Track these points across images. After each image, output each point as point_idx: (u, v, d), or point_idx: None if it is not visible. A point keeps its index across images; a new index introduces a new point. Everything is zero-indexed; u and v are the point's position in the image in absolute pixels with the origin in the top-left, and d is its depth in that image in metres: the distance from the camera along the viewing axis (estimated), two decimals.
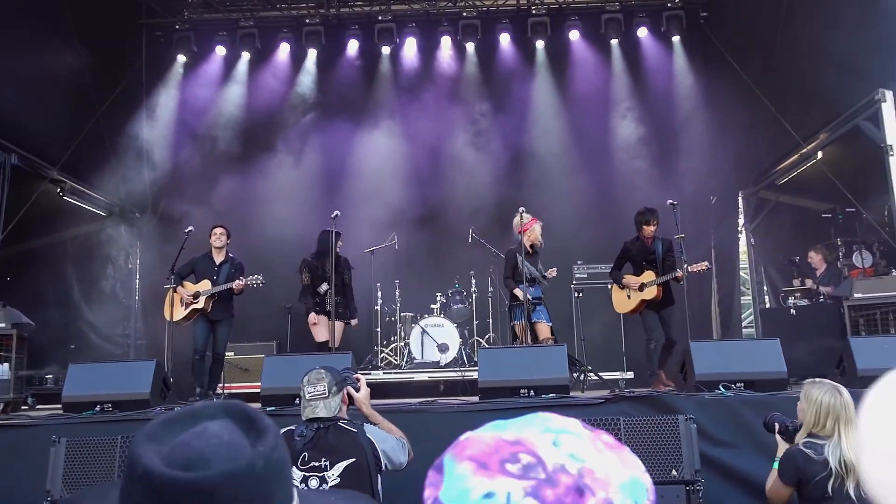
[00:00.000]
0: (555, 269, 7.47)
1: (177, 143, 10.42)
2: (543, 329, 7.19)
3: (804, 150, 8.82)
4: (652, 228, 7.21)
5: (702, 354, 5.28)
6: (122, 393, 5.23)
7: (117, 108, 9.89)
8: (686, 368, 5.39)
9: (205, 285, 7.28)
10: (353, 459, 3.17)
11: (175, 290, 7.25)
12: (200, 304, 7.20)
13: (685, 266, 6.79)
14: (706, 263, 7.14)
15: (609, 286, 8.67)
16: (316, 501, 0.95)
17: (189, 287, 7.29)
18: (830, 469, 3.06)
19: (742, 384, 5.06)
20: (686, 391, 5.20)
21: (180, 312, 7.21)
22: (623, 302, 7.43)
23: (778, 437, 3.52)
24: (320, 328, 7.56)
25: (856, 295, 6.70)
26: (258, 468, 0.85)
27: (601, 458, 0.71)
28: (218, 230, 7.46)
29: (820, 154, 8.69)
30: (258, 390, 5.77)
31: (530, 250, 7.28)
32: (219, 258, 7.43)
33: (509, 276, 7.38)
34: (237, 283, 7.19)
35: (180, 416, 0.91)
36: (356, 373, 3.71)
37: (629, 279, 7.30)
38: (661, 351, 7.05)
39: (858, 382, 4.78)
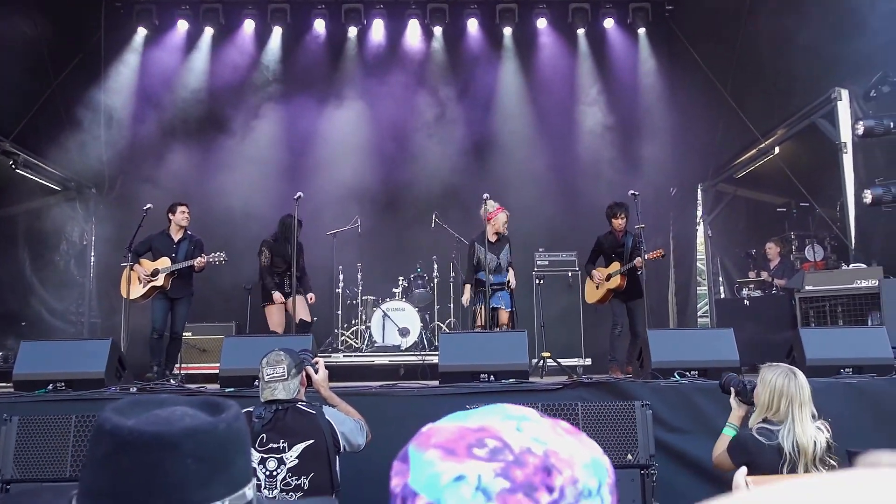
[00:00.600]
0: (513, 282, 7.45)
1: (135, 118, 10.18)
2: (503, 315, 7.26)
3: (762, 145, 9.01)
4: (620, 222, 7.38)
5: (658, 343, 5.38)
6: (76, 372, 5.11)
7: (74, 81, 9.60)
8: (643, 356, 5.49)
9: (164, 262, 7.14)
10: (312, 441, 3.18)
11: (132, 268, 7.10)
12: (160, 282, 7.06)
13: (643, 253, 6.92)
14: (661, 251, 7.28)
15: (569, 274, 8.79)
16: None
17: (146, 264, 7.14)
18: (784, 454, 3.05)
19: (696, 372, 5.16)
20: (642, 378, 5.30)
21: (138, 290, 7.07)
22: (592, 293, 7.66)
23: (733, 400, 3.54)
24: (277, 315, 7.53)
25: (807, 287, 6.90)
26: (220, 430, 0.92)
27: (563, 441, 0.74)
28: (184, 208, 7.33)
29: (777, 149, 8.89)
30: (216, 371, 5.70)
31: (492, 238, 7.32)
32: (177, 235, 7.30)
33: (468, 269, 7.46)
34: (199, 261, 7.06)
35: (148, 398, 0.97)
36: (315, 355, 3.70)
37: (596, 272, 7.53)
38: (629, 344, 7.17)
39: (807, 371, 4.91)
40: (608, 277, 7.39)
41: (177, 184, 9.48)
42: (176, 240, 7.29)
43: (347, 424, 3.36)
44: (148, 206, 7.11)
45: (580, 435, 0.76)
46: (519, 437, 0.73)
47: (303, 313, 7.42)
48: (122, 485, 0.87)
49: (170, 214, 7.30)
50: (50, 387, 4.98)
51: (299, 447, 3.16)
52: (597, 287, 7.54)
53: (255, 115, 10.43)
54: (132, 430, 0.89)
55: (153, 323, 7.10)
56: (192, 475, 0.89)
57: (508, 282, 7.33)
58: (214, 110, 10.43)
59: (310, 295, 7.72)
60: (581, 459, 0.73)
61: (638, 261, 7.01)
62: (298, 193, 6.92)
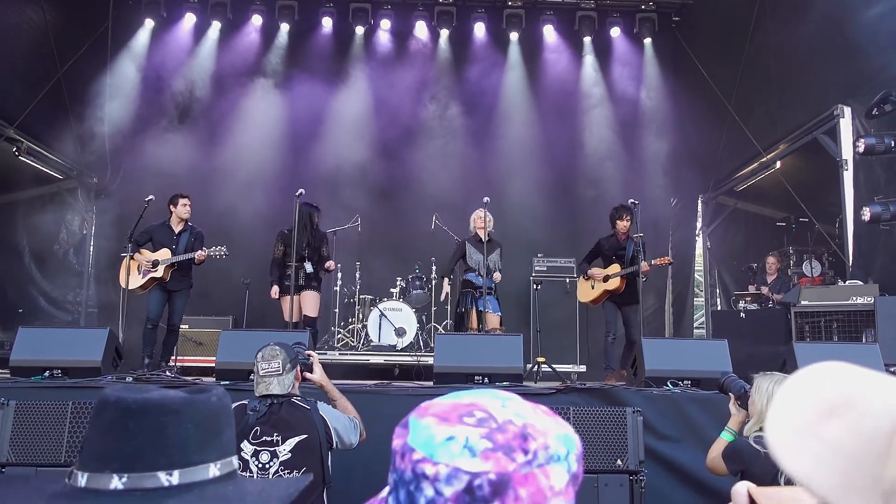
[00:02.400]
0: (499, 275, 7.52)
1: (139, 108, 10.23)
2: (491, 319, 7.30)
3: (764, 159, 9.07)
4: (625, 224, 7.35)
5: (653, 351, 5.42)
6: (73, 359, 5.14)
7: (80, 70, 9.65)
8: (637, 364, 5.53)
9: (164, 254, 7.14)
10: (305, 436, 3.21)
11: (132, 258, 7.11)
12: (159, 273, 7.07)
13: (650, 260, 6.95)
14: (668, 257, 7.31)
15: (567, 281, 8.83)
16: (248, 483, 1.07)
17: (146, 255, 7.15)
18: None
19: (689, 382, 5.21)
20: (636, 386, 5.34)
21: (137, 280, 7.07)
22: (587, 292, 7.58)
23: (732, 405, 3.54)
24: (288, 307, 7.43)
25: (803, 302, 6.94)
26: (213, 401, 1.05)
27: (539, 418, 0.88)
28: (186, 200, 7.32)
29: (779, 164, 8.95)
30: (212, 364, 5.74)
31: (484, 239, 7.38)
32: (178, 227, 7.30)
33: (448, 263, 7.70)
34: (199, 254, 7.05)
35: (143, 387, 1.10)
36: (308, 349, 3.72)
37: (594, 270, 7.48)
38: (623, 350, 7.21)
39: None
40: (606, 278, 7.34)
41: (178, 176, 9.51)
42: (177, 231, 7.29)
43: (341, 421, 3.39)
44: (150, 197, 7.10)
45: (556, 417, 0.90)
46: (503, 411, 0.86)
47: (309, 309, 7.32)
48: (129, 446, 0.98)
49: (171, 206, 7.31)
50: (46, 373, 5.02)
51: (292, 441, 3.19)
52: (592, 287, 7.50)
53: (258, 110, 10.49)
54: (136, 399, 1.00)
55: (148, 313, 7.10)
56: (192, 438, 1.00)
57: (495, 287, 7.38)
58: (218, 103, 10.49)
59: (328, 263, 7.45)
60: (554, 432, 0.86)
61: (645, 266, 6.97)
62: (300, 190, 6.95)
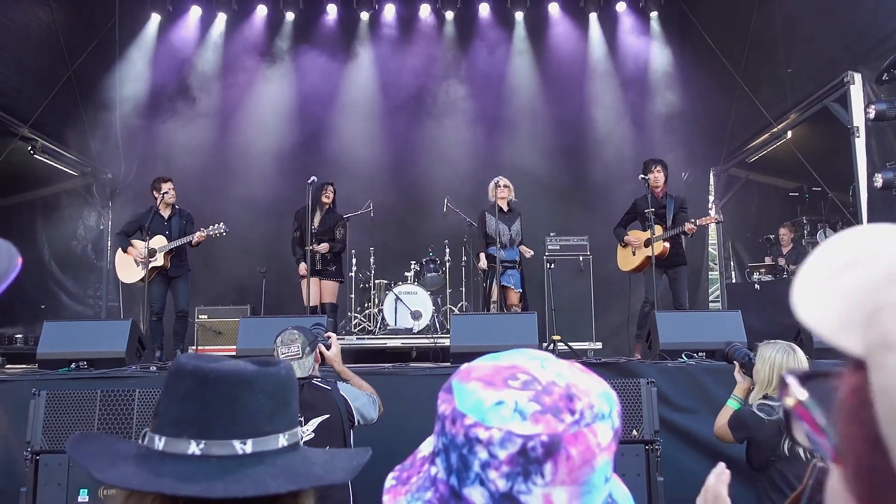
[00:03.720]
0: (528, 252, 7.48)
1: (150, 103, 10.32)
2: (511, 296, 7.31)
3: (775, 130, 9.04)
4: (658, 176, 6.92)
5: (667, 324, 5.49)
6: (98, 351, 5.29)
7: (90, 66, 9.75)
8: (651, 337, 5.60)
9: (159, 241, 7.08)
10: (328, 416, 3.29)
11: (126, 251, 7.06)
12: (160, 262, 7.03)
13: (693, 220, 6.67)
14: (715, 216, 7.01)
15: (580, 259, 8.86)
16: (313, 454, 1.14)
17: (138, 246, 7.09)
18: (783, 430, 3.06)
19: (704, 353, 5.27)
20: (651, 359, 5.41)
21: (137, 273, 7.05)
22: (627, 259, 7.18)
23: (737, 373, 3.60)
24: (308, 290, 7.33)
25: None
26: (282, 374, 1.10)
27: (579, 377, 0.90)
28: (169, 184, 7.24)
29: (790, 133, 8.91)
30: (233, 353, 5.87)
31: (505, 208, 7.37)
32: (166, 212, 7.25)
33: (479, 238, 7.55)
34: (198, 235, 6.99)
35: (210, 356, 1.14)
36: (327, 330, 3.79)
37: (632, 236, 7.09)
38: None
39: (814, 354, 5.01)
40: (647, 243, 6.85)
41: (191, 167, 9.64)
42: (166, 217, 7.23)
43: (361, 399, 3.48)
44: (165, 190, 7.20)
45: (592, 374, 0.93)
46: (544, 372, 0.89)
47: (327, 296, 7.29)
48: (206, 413, 1.02)
49: (154, 192, 7.22)
50: (73, 365, 5.17)
51: (315, 421, 3.28)
52: (633, 253, 7.05)
53: (267, 97, 10.58)
54: (213, 369, 1.05)
55: (151, 305, 7.07)
56: (264, 408, 1.05)
57: (520, 260, 7.25)
58: (228, 93, 10.58)
59: (323, 245, 7.29)
60: (596, 390, 0.89)
61: (689, 225, 6.62)
62: (312, 178, 7.02)
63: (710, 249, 11.05)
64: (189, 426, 1.02)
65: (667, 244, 6.85)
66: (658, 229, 6.84)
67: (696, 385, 4.98)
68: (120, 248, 7.07)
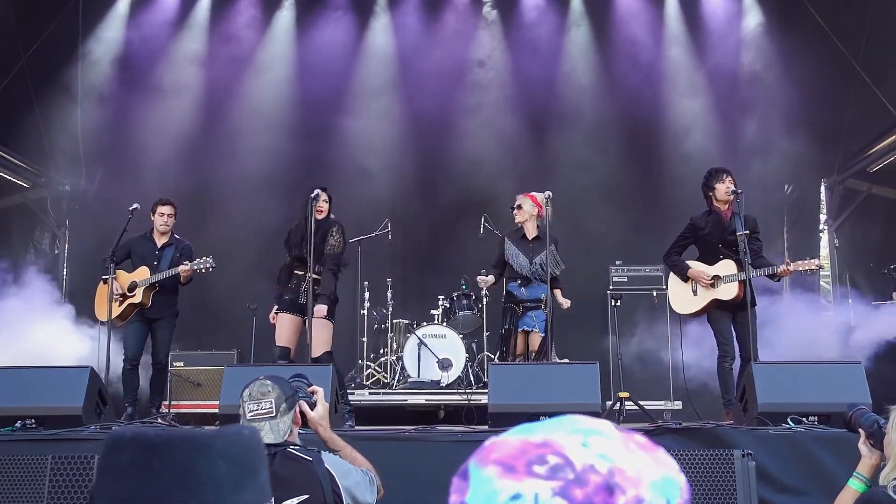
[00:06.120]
0: (564, 303, 7.44)
1: (118, 99, 10.47)
2: (535, 340, 7.24)
3: None
4: (726, 187, 6.65)
5: (766, 379, 5.39)
6: (50, 406, 5.33)
7: (46, 55, 9.93)
8: (746, 396, 5.49)
9: (143, 273, 7.17)
10: (307, 496, 3.14)
11: (107, 282, 7.11)
12: (138, 298, 7.09)
13: (787, 262, 6.47)
14: (816, 261, 6.71)
15: (654, 294, 8.73)
16: None
17: (123, 277, 7.18)
18: None
19: (816, 417, 5.16)
20: (746, 424, 5.31)
21: (113, 310, 7.09)
22: (685, 299, 6.89)
23: (863, 444, 3.49)
24: (283, 328, 6.92)
25: None
26: (245, 434, 1.09)
27: (632, 458, 0.85)
28: (165, 209, 7.36)
29: None
30: (215, 409, 5.87)
31: (530, 234, 7.33)
32: (161, 239, 7.41)
33: (494, 263, 7.65)
34: (183, 269, 7.07)
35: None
36: (311, 384, 3.62)
37: (698, 269, 6.76)
38: (739, 375, 6.52)
39: None
40: (714, 280, 6.57)
41: (169, 179, 9.73)
42: (159, 245, 7.38)
43: (353, 476, 3.32)
44: (134, 205, 7.25)
45: (656, 451, 0.88)
46: (584, 452, 0.85)
47: (317, 343, 6.62)
48: (155, 488, 1.00)
49: (152, 214, 7.43)
50: (18, 423, 5.20)
51: (291, 503, 3.15)
52: (694, 292, 6.80)
53: (262, 99, 10.66)
54: (159, 433, 1.03)
55: (126, 351, 7.16)
56: (225, 477, 1.03)
57: (546, 299, 7.11)
58: (212, 90, 10.70)
59: (317, 308, 6.67)
60: (650, 477, 0.84)
61: (783, 268, 6.42)
62: (316, 191, 6.95)
63: (821, 283, 10.87)
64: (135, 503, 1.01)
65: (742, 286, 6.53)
66: (730, 265, 6.60)
67: (807, 459, 4.87)
68: (110, 276, 7.06)
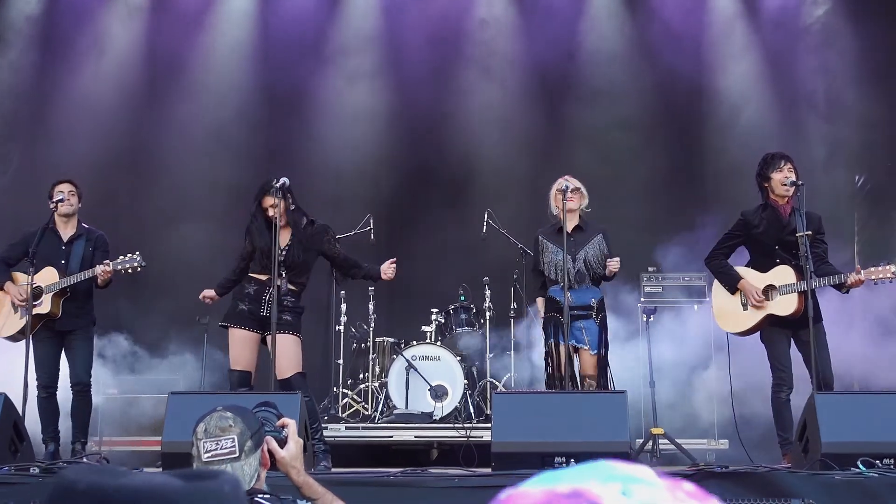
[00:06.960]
0: (616, 259, 7.11)
1: (43, 59, 10.43)
2: (587, 360, 7.10)
3: None
4: (783, 178, 6.59)
5: (833, 412, 5.39)
6: None
7: None
8: (808, 433, 5.50)
9: (49, 275, 6.94)
10: None
11: (2, 288, 7.02)
12: (45, 308, 6.88)
13: (859, 269, 6.41)
14: (893, 268, 6.51)
15: (695, 307, 8.73)
16: None
17: (19, 281, 7.00)
18: None
19: (892, 460, 5.17)
20: (807, 467, 5.31)
21: (14, 324, 6.98)
22: (732, 314, 6.83)
23: None
24: (237, 347, 6.77)
25: None
26: (226, 489, 1.05)
27: None
28: (64, 186, 7.14)
29: None
30: (157, 447, 5.85)
31: (570, 226, 7.22)
32: (67, 231, 7.19)
33: (532, 278, 7.58)
34: (101, 269, 6.84)
35: (110, 467, 1.10)
36: (280, 415, 3.53)
37: (749, 279, 6.72)
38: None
39: None
40: (769, 291, 6.56)
41: (105, 162, 9.70)
42: (66, 238, 7.17)
43: None
44: (59, 197, 7.18)
45: (709, 502, 0.88)
46: (622, 502, 0.85)
47: (285, 364, 6.55)
48: None
49: (49, 202, 7.12)
50: None
51: None
52: (744, 306, 6.72)
53: (220, 63, 10.64)
54: (119, 487, 1.00)
55: (38, 377, 6.93)
56: None
57: (597, 305, 7.07)
58: (162, 52, 10.67)
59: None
60: None
61: (854, 277, 6.35)
62: (282, 180, 6.90)
63: None
64: None
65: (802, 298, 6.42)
66: (788, 272, 6.58)
67: None
68: (28, 282, 6.79)
